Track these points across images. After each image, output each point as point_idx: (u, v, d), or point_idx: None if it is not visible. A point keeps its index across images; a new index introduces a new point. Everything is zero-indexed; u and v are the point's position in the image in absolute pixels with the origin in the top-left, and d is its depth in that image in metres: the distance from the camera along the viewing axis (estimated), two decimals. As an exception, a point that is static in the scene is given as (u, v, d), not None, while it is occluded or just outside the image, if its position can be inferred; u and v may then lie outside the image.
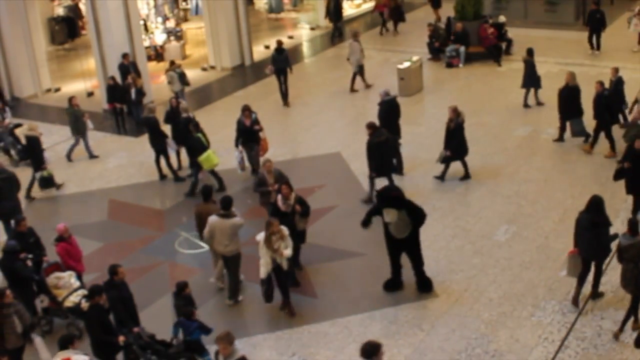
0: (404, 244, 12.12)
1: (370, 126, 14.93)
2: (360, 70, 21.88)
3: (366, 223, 12.48)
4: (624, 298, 11.56)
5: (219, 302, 12.54)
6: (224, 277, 12.76)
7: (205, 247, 14.20)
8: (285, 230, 11.68)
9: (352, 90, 21.92)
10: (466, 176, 15.97)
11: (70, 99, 18.38)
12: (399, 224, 11.97)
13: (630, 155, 13.93)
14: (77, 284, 12.11)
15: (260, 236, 11.74)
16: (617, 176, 13.94)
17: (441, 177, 16.02)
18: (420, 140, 18.14)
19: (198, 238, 13.69)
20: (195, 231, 13.55)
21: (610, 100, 16.60)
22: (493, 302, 11.95)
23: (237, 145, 16.44)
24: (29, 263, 11.80)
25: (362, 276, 12.98)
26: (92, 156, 18.63)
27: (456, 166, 15.90)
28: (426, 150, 17.52)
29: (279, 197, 12.63)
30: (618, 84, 17.18)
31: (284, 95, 21.37)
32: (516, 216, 14.41)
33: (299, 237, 12.67)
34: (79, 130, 18.35)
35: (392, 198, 12.17)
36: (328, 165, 17.48)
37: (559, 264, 12.67)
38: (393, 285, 12.48)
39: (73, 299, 11.87)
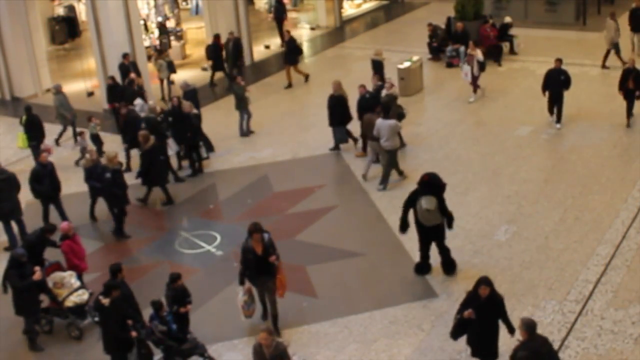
0: (432, 232, 12.47)
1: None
2: (615, 48, 21.72)
3: (403, 223, 12.64)
4: (626, 299, 11.57)
5: (220, 302, 12.53)
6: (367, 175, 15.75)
7: (206, 246, 14.25)
8: None
9: (604, 66, 21.78)
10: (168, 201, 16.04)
11: (235, 77, 19.59)
12: (429, 212, 12.36)
13: (473, 302, 9.89)
14: (77, 283, 12.13)
15: None
16: (457, 331, 10.15)
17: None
18: (420, 140, 18.15)
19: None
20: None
21: (372, 103, 16.75)
22: (493, 302, 11.94)
23: (242, 283, 11.42)
24: (38, 276, 11.39)
25: (362, 276, 12.98)
26: (243, 134, 19.16)
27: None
28: (426, 150, 17.53)
29: None
30: (379, 90, 17.55)
31: (282, 37, 25.56)
32: (516, 216, 14.41)
33: None
34: (240, 106, 18.99)
35: (428, 184, 12.39)
36: (328, 165, 17.48)
37: (559, 264, 12.69)
38: (422, 268, 12.85)
39: (73, 299, 11.89)
